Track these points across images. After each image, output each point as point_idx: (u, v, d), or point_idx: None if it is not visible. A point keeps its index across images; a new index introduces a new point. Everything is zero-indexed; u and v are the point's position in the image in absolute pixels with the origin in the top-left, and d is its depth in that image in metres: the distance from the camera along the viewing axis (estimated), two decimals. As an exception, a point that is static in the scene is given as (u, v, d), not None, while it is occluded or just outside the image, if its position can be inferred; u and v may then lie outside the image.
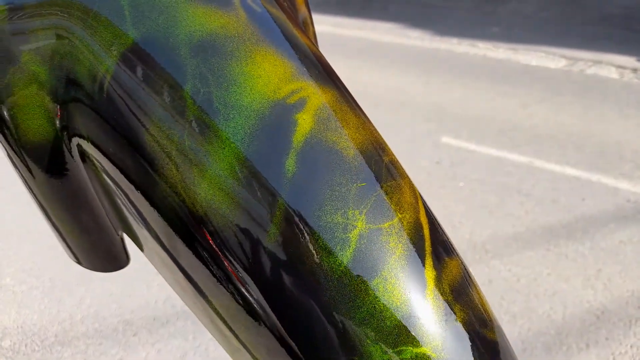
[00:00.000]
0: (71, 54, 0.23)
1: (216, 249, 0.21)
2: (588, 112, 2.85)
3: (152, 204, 0.22)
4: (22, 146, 0.25)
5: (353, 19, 5.06)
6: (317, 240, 0.20)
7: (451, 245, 0.23)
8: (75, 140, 0.24)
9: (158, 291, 1.72)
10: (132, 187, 0.23)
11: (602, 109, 2.88)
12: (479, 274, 1.73)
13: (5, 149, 0.26)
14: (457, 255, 0.23)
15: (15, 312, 1.70)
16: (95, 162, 0.24)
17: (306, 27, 0.32)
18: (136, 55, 0.22)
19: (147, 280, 1.75)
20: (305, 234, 0.20)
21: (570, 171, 2.30)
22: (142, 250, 0.26)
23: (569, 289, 1.65)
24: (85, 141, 0.24)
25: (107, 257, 0.29)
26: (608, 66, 3.51)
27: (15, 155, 0.25)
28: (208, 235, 0.21)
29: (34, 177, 0.26)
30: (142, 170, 0.22)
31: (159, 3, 0.23)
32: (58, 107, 0.24)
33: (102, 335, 1.59)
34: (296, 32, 0.24)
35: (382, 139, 0.24)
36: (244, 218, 0.20)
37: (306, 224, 0.20)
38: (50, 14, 0.24)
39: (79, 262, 0.29)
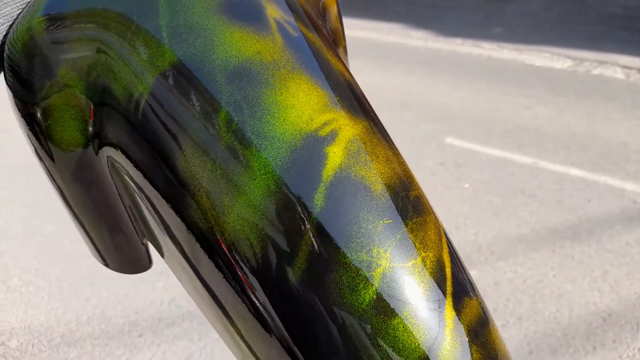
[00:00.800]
0: (108, 71, 0.23)
1: (241, 276, 0.21)
2: (593, 113, 2.84)
3: (180, 224, 0.22)
4: (55, 155, 0.25)
5: (357, 20, 5.06)
6: (342, 277, 0.20)
7: (471, 283, 0.23)
8: (106, 151, 0.25)
9: (163, 292, 1.73)
10: (162, 203, 0.23)
11: (607, 109, 2.87)
12: (484, 275, 1.73)
13: (39, 157, 0.26)
14: (477, 293, 0.23)
15: (22, 312, 1.71)
16: (125, 174, 0.24)
17: (338, 42, 0.32)
18: (172, 79, 0.22)
19: (152, 281, 1.76)
20: (330, 270, 0.20)
21: (576, 172, 2.29)
22: (162, 256, 0.27)
23: (575, 291, 1.65)
24: (117, 153, 0.24)
25: (132, 260, 0.29)
26: (614, 66, 3.50)
27: (48, 164, 0.26)
28: (234, 262, 0.21)
29: (64, 183, 0.26)
30: (173, 192, 0.22)
31: (197, 25, 0.23)
32: (91, 119, 0.24)
33: (108, 336, 1.59)
34: (331, 58, 0.24)
35: (409, 171, 0.24)
36: (271, 250, 0.21)
37: (331, 260, 0.20)
38: (89, 25, 0.24)
39: (106, 264, 0.30)
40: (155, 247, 0.27)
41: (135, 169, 0.24)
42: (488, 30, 4.41)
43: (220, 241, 0.21)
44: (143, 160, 0.23)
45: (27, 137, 0.26)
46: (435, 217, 0.23)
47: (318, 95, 0.22)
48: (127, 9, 0.24)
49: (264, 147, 0.21)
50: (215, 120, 0.22)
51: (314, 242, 0.20)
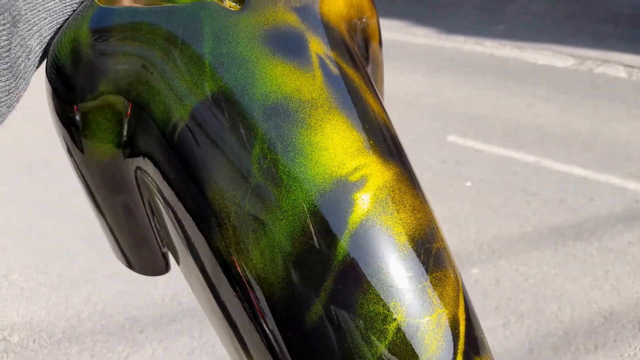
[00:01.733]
0: (148, 91, 0.24)
1: (258, 309, 0.21)
2: (596, 112, 2.83)
3: (204, 248, 0.23)
4: (87, 158, 0.26)
5: (359, 17, 5.03)
6: (357, 327, 0.20)
7: (483, 342, 0.23)
8: (136, 161, 0.25)
9: (165, 288, 1.73)
10: (188, 224, 0.23)
11: (610, 108, 2.86)
12: (485, 274, 1.73)
13: (70, 156, 0.27)
14: (487, 352, 0.23)
15: (23, 308, 1.71)
16: (154, 187, 0.25)
17: (377, 73, 0.32)
18: (211, 109, 0.23)
19: (153, 278, 1.76)
20: (346, 319, 0.21)
21: (578, 171, 2.29)
22: (178, 264, 0.27)
23: (576, 290, 1.64)
24: (148, 167, 0.25)
25: (150, 264, 0.30)
26: (616, 65, 3.49)
27: (80, 163, 0.27)
28: (252, 296, 0.21)
29: (94, 184, 0.27)
30: (200, 218, 0.23)
31: (240, 55, 0.23)
32: (126, 130, 0.25)
33: (109, 332, 1.59)
34: (368, 97, 0.25)
35: (435, 221, 0.24)
36: (290, 292, 0.21)
37: (348, 309, 0.21)
38: (133, 43, 0.24)
39: (128, 266, 0.30)
40: (173, 256, 0.27)
41: (165, 186, 0.24)
42: (490, 28, 4.39)
43: (242, 274, 0.21)
44: (175, 180, 0.23)
45: (60, 135, 0.26)
46: (455, 271, 0.23)
47: (352, 138, 0.23)
48: (172, 31, 0.24)
49: (293, 188, 0.21)
50: (248, 156, 0.22)
51: (333, 289, 0.21)
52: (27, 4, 0.24)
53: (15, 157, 2.59)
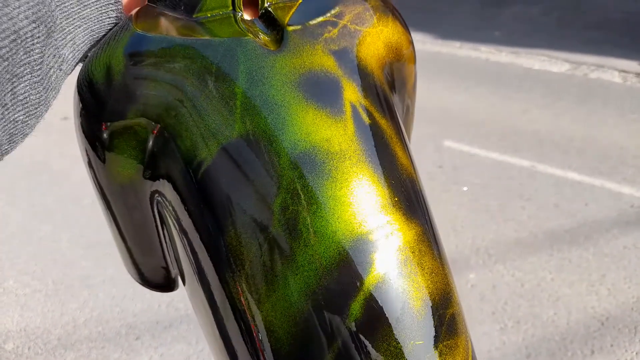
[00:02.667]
0: (177, 125, 0.24)
1: (262, 356, 0.21)
2: (590, 117, 2.84)
3: (216, 286, 0.23)
4: (109, 178, 0.26)
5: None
6: None
7: None
8: (155, 185, 0.26)
9: (161, 295, 1.72)
10: (202, 256, 0.23)
11: (604, 113, 2.88)
12: (482, 279, 1.73)
13: (92, 176, 0.27)
14: None
15: (18, 314, 1.70)
16: (171, 215, 0.25)
17: (408, 116, 0.31)
18: (238, 152, 0.23)
19: (150, 283, 1.75)
20: None
21: (573, 176, 2.30)
22: (184, 284, 0.27)
23: (573, 295, 1.65)
24: (168, 192, 0.25)
25: (159, 281, 0.30)
26: (611, 70, 3.51)
27: (101, 184, 0.27)
28: (259, 347, 0.21)
29: (112, 200, 0.27)
30: (215, 257, 0.22)
31: (273, 99, 0.23)
32: (149, 158, 0.25)
33: (105, 338, 1.58)
34: (398, 150, 0.24)
35: (451, 284, 0.24)
36: (298, 349, 0.21)
37: None
38: (168, 70, 0.24)
39: (140, 280, 0.31)
40: (180, 277, 0.27)
41: (183, 215, 0.24)
42: (486, 33, 4.42)
43: (251, 323, 0.21)
44: (193, 214, 0.23)
45: (83, 148, 0.27)
46: (467, 337, 0.23)
47: (377, 194, 0.22)
48: (207, 66, 0.23)
49: (312, 243, 0.21)
50: (271, 205, 0.22)
51: (342, 351, 0.20)
52: (63, 12, 0.24)
53: (12, 162, 2.58)
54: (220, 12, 0.24)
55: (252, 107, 0.23)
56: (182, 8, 0.25)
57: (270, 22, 0.24)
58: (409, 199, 0.24)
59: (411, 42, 0.30)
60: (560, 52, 3.87)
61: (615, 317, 1.55)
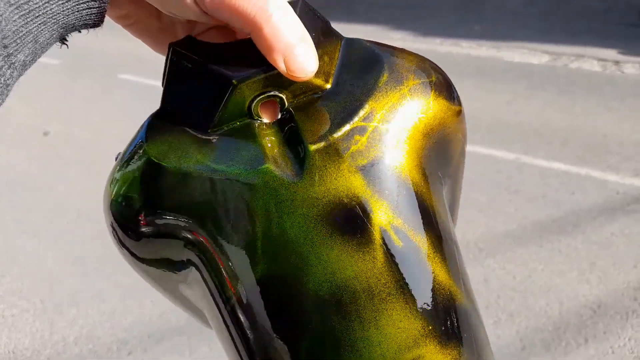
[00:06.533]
0: (198, 264, 0.23)
1: None
2: (573, 107, 2.87)
3: None
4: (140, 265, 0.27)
5: (336, 23, 5.04)
6: None
7: None
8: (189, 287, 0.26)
9: (152, 307, 1.70)
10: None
11: (586, 102, 2.91)
12: (474, 273, 1.73)
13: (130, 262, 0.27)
14: None
15: (6, 336, 1.66)
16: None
17: (454, 192, 0.28)
18: (261, 295, 0.22)
19: (140, 297, 1.72)
20: None
21: (558, 166, 2.31)
22: (209, 325, 0.27)
23: (564, 284, 1.66)
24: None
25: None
26: (590, 60, 3.55)
27: (141, 267, 0.27)
28: None
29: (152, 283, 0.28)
30: None
31: (294, 239, 0.21)
32: (181, 275, 0.26)
33: (96, 355, 1.56)
34: (435, 267, 0.23)
35: None
36: None
37: None
38: (185, 209, 0.23)
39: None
40: (208, 319, 0.27)
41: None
42: (466, 28, 4.45)
43: None
44: (221, 337, 0.24)
45: (120, 253, 0.26)
46: None
47: (410, 327, 0.21)
48: (224, 204, 0.22)
49: None
50: (296, 351, 0.21)
51: None
52: (19, 15, 0.22)
53: (-7, 181, 2.54)
54: (238, 124, 0.23)
55: (273, 248, 0.22)
56: (197, 119, 0.23)
57: (293, 134, 0.22)
58: (445, 322, 0.22)
59: (457, 114, 0.26)
60: (540, 43, 3.91)
61: (606, 304, 1.57)
